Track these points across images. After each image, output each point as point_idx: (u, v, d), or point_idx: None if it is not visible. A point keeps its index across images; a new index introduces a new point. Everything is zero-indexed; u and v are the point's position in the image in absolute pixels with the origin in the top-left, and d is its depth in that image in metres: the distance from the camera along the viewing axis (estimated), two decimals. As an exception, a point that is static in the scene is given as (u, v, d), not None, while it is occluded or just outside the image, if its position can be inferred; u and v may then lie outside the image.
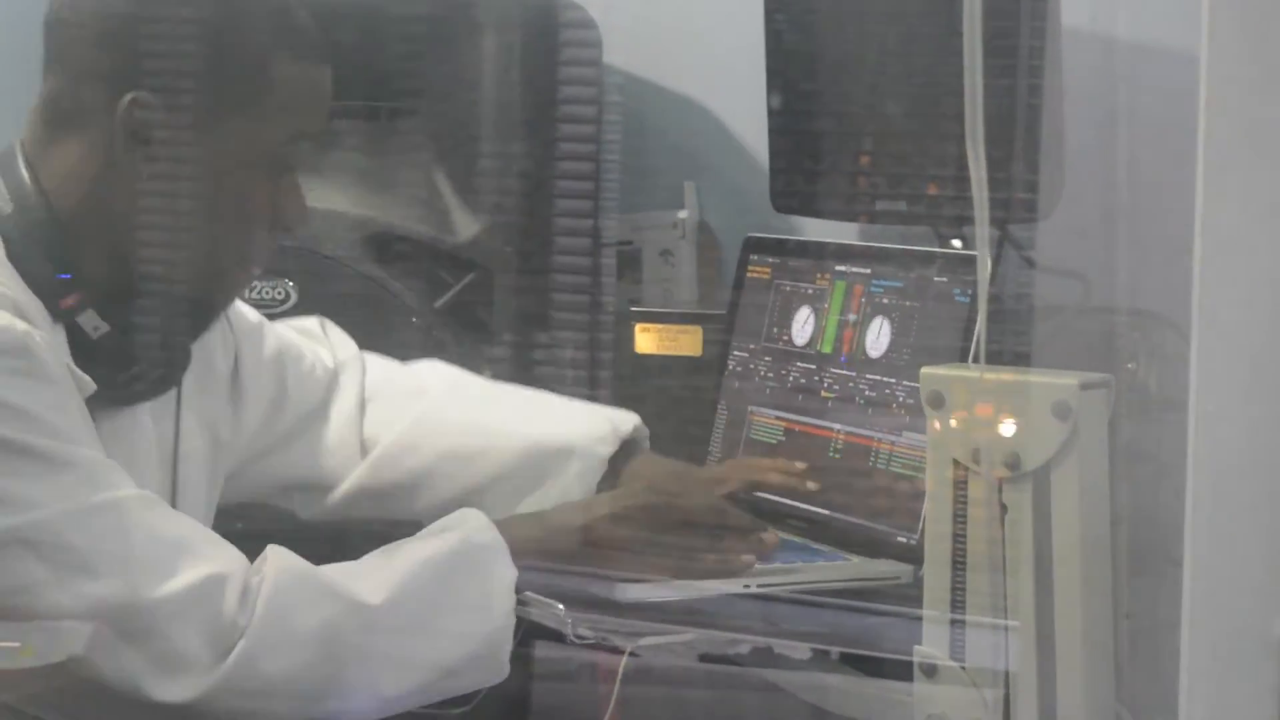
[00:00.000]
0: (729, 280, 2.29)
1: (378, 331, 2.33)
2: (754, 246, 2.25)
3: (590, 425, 2.06)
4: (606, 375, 2.34)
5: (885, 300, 2.07)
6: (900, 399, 2.01)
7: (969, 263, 1.97)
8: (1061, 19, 2.03)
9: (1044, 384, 1.61)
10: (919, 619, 1.66)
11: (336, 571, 1.68)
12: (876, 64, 2.18)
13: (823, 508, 2.04)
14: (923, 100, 2.11)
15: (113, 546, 1.58)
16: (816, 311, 2.14)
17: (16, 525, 1.55)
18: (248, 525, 1.97)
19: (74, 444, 1.61)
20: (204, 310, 1.82)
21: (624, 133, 2.40)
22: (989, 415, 1.62)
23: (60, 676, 1.59)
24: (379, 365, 2.15)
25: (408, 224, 2.35)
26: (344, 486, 2.04)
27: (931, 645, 1.63)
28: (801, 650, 1.78)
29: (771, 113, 2.26)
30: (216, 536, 1.68)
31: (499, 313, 2.34)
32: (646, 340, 2.36)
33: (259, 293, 2.32)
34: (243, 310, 2.01)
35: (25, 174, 1.70)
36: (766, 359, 2.18)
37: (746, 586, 1.83)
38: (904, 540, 1.92)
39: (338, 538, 2.03)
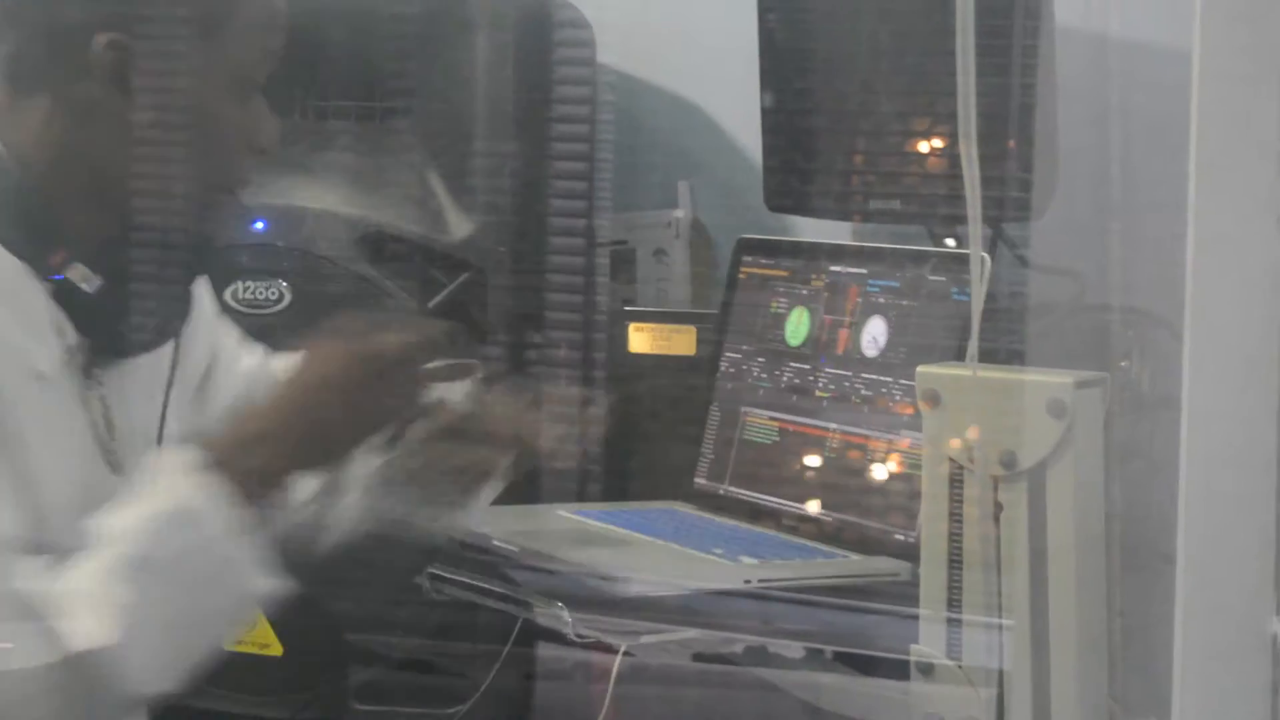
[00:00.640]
0: (723, 279, 2.29)
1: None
2: (748, 247, 2.25)
3: None
4: (600, 375, 2.34)
5: (880, 300, 2.07)
6: (896, 398, 2.01)
7: (964, 262, 1.98)
8: (1054, 17, 2.04)
9: (1039, 383, 1.62)
10: (915, 618, 1.66)
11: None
12: (870, 63, 2.18)
13: (819, 507, 2.04)
14: (916, 99, 2.12)
15: None
16: (811, 311, 2.14)
17: None
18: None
19: None
20: (195, 248, 1.80)
21: (618, 132, 2.40)
22: (984, 414, 1.62)
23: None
24: None
25: (401, 224, 2.35)
26: None
27: (927, 644, 1.63)
28: (796, 649, 1.78)
29: (765, 112, 2.26)
30: None
31: (492, 312, 2.34)
32: (640, 340, 2.36)
33: (253, 292, 2.32)
34: (229, 325, 2.00)
35: None
36: (760, 359, 2.18)
37: (746, 582, 1.83)
38: (901, 538, 1.92)
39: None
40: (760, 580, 1.83)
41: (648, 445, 2.17)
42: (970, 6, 1.44)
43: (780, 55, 2.25)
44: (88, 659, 1.52)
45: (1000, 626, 1.61)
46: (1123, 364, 1.93)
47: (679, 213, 2.51)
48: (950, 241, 2.10)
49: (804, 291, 2.16)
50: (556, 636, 1.93)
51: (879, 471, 1.99)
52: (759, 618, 1.82)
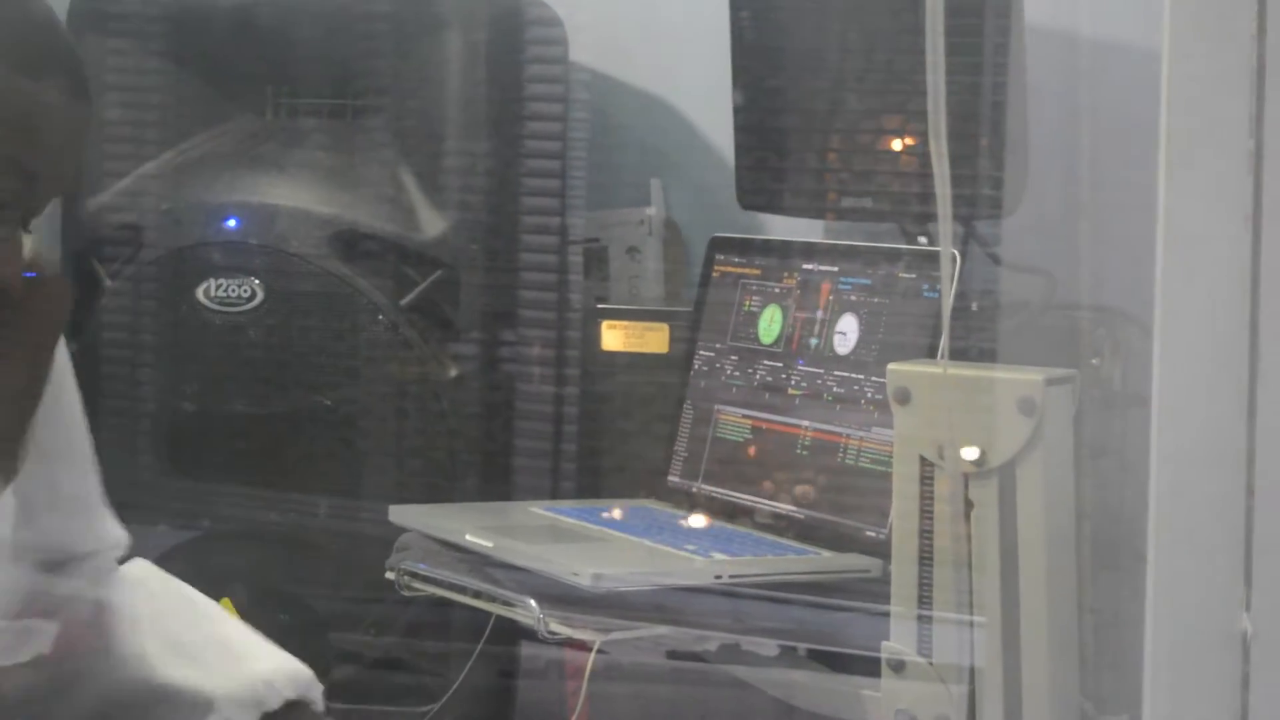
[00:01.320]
0: (696, 277, 2.29)
1: (344, 330, 2.33)
2: (720, 246, 2.25)
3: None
4: (573, 373, 2.34)
5: (852, 297, 2.08)
6: (868, 395, 2.01)
7: (935, 259, 1.98)
8: (1024, 16, 2.04)
9: (1009, 380, 1.62)
10: (886, 615, 1.66)
11: None
12: (841, 61, 2.19)
13: (791, 504, 2.04)
14: (887, 97, 2.12)
15: None
16: (783, 309, 2.15)
17: None
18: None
19: None
20: None
21: (590, 130, 2.40)
22: (955, 411, 1.63)
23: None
24: None
25: (373, 222, 2.35)
26: None
27: (899, 641, 1.64)
28: (769, 647, 1.78)
29: (737, 110, 2.27)
30: None
31: (465, 310, 2.34)
32: (613, 338, 2.36)
33: (225, 290, 2.32)
34: None
35: None
36: (733, 357, 2.19)
37: (717, 578, 1.83)
38: (873, 535, 1.93)
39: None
40: (731, 576, 1.83)
41: (620, 443, 2.17)
42: (940, 5, 1.45)
43: (752, 53, 2.25)
44: None
45: (971, 624, 1.61)
46: (1093, 361, 1.94)
47: (651, 210, 2.51)
48: (922, 239, 2.10)
49: (776, 289, 2.17)
50: (529, 634, 1.93)
51: (851, 469, 2.00)
52: (731, 615, 1.82)
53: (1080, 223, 1.90)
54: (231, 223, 2.37)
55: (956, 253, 1.91)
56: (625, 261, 2.52)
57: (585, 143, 2.39)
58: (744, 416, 2.15)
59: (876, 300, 2.05)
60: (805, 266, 2.15)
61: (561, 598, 1.81)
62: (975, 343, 1.88)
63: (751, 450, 2.12)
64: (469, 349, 2.33)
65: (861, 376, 2.03)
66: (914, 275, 2.03)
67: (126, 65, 2.41)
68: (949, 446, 1.61)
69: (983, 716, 1.59)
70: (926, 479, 1.64)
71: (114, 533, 1.77)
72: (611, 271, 2.51)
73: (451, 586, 1.93)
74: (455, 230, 2.34)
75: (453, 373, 2.28)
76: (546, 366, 2.34)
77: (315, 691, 1.68)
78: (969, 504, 1.60)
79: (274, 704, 1.63)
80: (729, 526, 2.06)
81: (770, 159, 2.25)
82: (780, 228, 2.36)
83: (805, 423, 2.07)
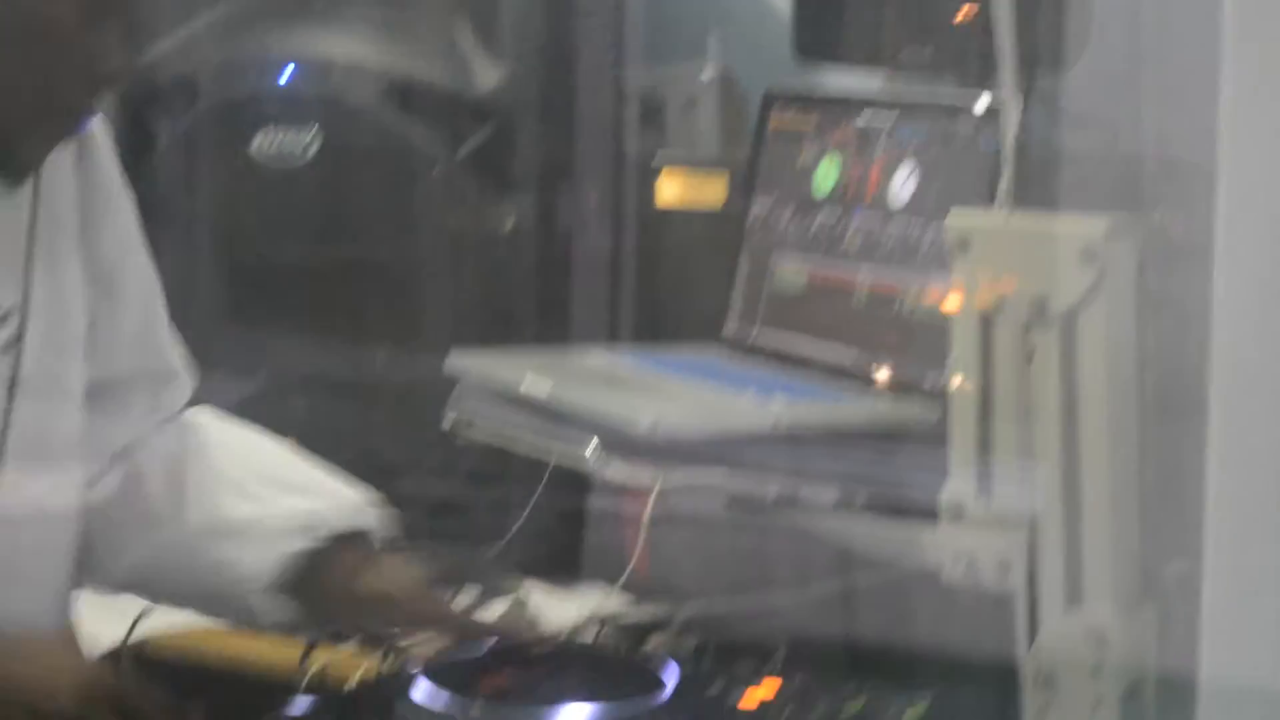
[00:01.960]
0: (752, 131, 2.28)
1: (399, 182, 2.33)
2: (776, 99, 2.24)
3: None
4: (630, 225, 2.34)
5: (909, 149, 2.07)
6: (926, 245, 2.01)
7: (994, 111, 1.96)
8: None
9: (1070, 229, 1.61)
10: (945, 463, 1.66)
11: None
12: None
13: (850, 353, 2.04)
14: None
15: None
16: (839, 161, 2.14)
17: None
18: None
19: None
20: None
21: (647, -18, 2.39)
22: (1015, 260, 1.62)
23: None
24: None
25: (429, 75, 2.34)
26: None
27: (958, 487, 1.64)
28: (828, 495, 1.78)
29: (796, -42, 2.25)
30: None
31: (521, 163, 2.34)
32: (670, 191, 2.35)
33: (280, 144, 2.32)
34: None
35: None
36: (789, 209, 2.18)
37: (776, 425, 1.82)
38: (932, 383, 1.92)
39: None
40: (790, 422, 1.83)
41: (678, 294, 2.17)
42: None
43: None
44: None
45: (1032, 474, 1.61)
46: (1155, 213, 1.93)
47: (709, 65, 2.50)
48: (982, 91, 2.08)
49: (832, 141, 2.16)
50: (586, 482, 1.94)
51: (909, 318, 1.99)
52: (790, 464, 1.83)
53: (1143, 72, 1.87)
54: (287, 75, 2.37)
55: (1017, 101, 1.90)
56: (681, 116, 2.50)
57: (643, -5, 2.37)
58: (801, 267, 2.15)
59: (934, 151, 2.04)
60: (862, 119, 2.13)
61: (619, 444, 1.82)
62: (1035, 193, 1.87)
63: (809, 300, 2.12)
64: (526, 201, 2.33)
65: (919, 227, 2.02)
66: (973, 127, 2.02)
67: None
68: (1009, 295, 1.61)
69: (1043, 564, 1.59)
70: (986, 328, 1.63)
71: (183, 375, 1.79)
72: (668, 125, 2.50)
73: (508, 433, 1.94)
74: (512, 82, 2.33)
75: (509, 225, 2.27)
76: (603, 218, 2.34)
77: (369, 519, 1.70)
78: (1029, 353, 1.59)
79: (322, 534, 1.66)
80: (787, 375, 2.06)
81: (828, 8, 2.23)
82: (837, 84, 2.34)
83: (863, 272, 2.07)
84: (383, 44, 2.36)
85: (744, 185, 2.25)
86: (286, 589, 1.65)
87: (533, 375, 1.97)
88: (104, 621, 2.06)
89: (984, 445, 1.63)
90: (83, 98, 1.59)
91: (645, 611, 1.89)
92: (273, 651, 2.05)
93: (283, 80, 2.37)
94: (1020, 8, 1.51)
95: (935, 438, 1.75)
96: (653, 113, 2.47)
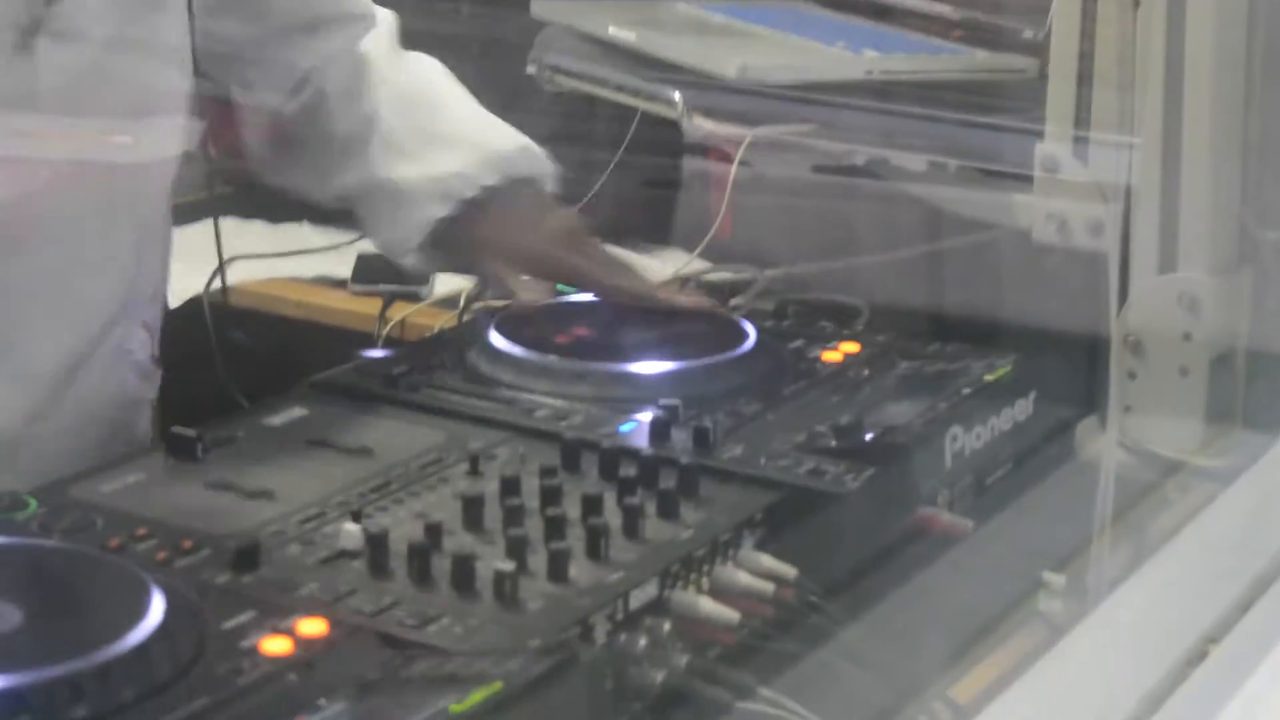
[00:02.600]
0: None
1: None
2: None
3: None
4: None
5: None
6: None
7: None
8: None
9: None
10: (1041, 125, 1.60)
11: None
12: None
13: (947, 3, 1.96)
14: None
15: None
16: None
17: None
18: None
19: None
20: None
21: None
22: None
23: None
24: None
25: None
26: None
27: (1054, 146, 1.58)
28: (918, 161, 1.73)
29: None
30: None
31: None
32: None
33: None
34: None
35: None
36: None
37: (868, 74, 1.76)
38: (1031, 36, 1.84)
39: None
40: (883, 71, 1.76)
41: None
42: None
43: None
44: None
45: (1128, 133, 1.56)
46: None
47: None
48: None
49: None
50: (672, 138, 1.88)
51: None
52: (879, 121, 1.77)
53: None
54: None
55: None
56: None
57: None
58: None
59: None
60: None
61: (707, 95, 1.76)
62: None
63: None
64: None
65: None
66: None
67: None
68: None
69: (1137, 227, 1.54)
70: (1090, -24, 1.56)
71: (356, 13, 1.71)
72: None
73: (594, 80, 1.88)
74: None
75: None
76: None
77: (529, 166, 1.64)
78: (1136, 2, 1.52)
79: (469, 193, 1.61)
80: (882, 26, 1.99)
81: None
82: None
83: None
84: None
85: None
86: (436, 246, 1.61)
87: (620, 21, 1.91)
88: (188, 267, 2.06)
89: (1082, 105, 1.57)
90: None
91: (728, 273, 1.85)
92: (352, 304, 2.05)
93: None
94: None
95: (1031, 93, 1.69)
96: None
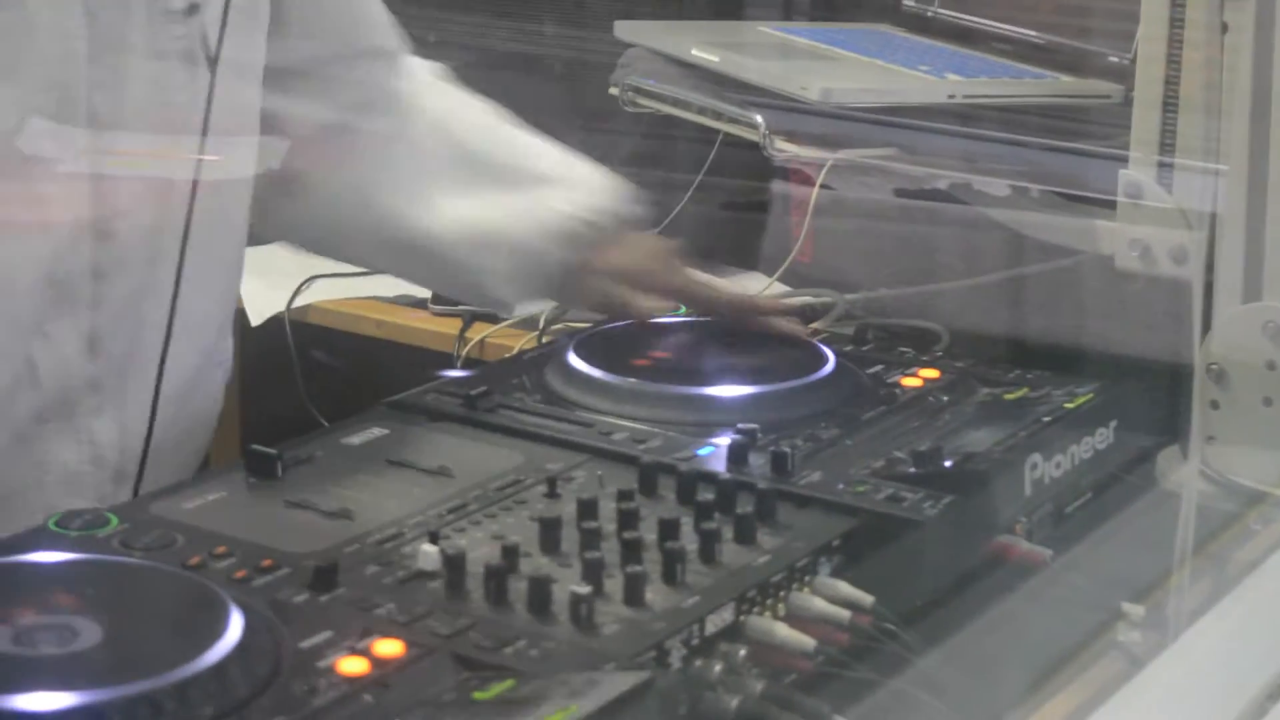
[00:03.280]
0: None
1: None
2: None
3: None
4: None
5: None
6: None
7: None
8: None
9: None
10: (1125, 151, 1.59)
11: None
12: None
13: (1031, 27, 1.95)
14: None
15: None
16: None
17: None
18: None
19: None
20: None
21: None
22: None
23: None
24: None
25: None
26: None
27: (1138, 173, 1.57)
28: (1001, 186, 1.72)
29: None
30: None
31: None
32: None
33: None
34: None
35: None
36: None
37: (950, 97, 1.75)
38: (1116, 60, 1.83)
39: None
40: (966, 95, 1.75)
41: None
42: None
43: None
44: None
45: (1213, 160, 1.54)
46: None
47: None
48: None
49: None
50: (753, 160, 1.88)
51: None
52: (962, 145, 1.76)
53: None
54: None
55: None
56: None
57: None
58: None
59: None
60: None
61: (788, 119, 1.76)
62: None
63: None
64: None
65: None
66: None
67: None
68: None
69: (1221, 255, 1.53)
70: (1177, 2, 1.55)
71: (398, 53, 1.70)
72: None
73: (676, 101, 1.88)
74: None
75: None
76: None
77: (609, 200, 1.62)
78: (1224, 27, 1.51)
79: (576, 227, 1.60)
80: (965, 50, 1.98)
81: None
82: None
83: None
84: None
85: None
86: (534, 284, 1.62)
87: (702, 43, 1.91)
88: (266, 284, 2.07)
89: (1168, 130, 1.56)
90: None
91: (807, 297, 1.85)
92: (432, 324, 2.06)
93: None
94: None
95: (1116, 119, 1.68)
96: None
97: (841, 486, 1.24)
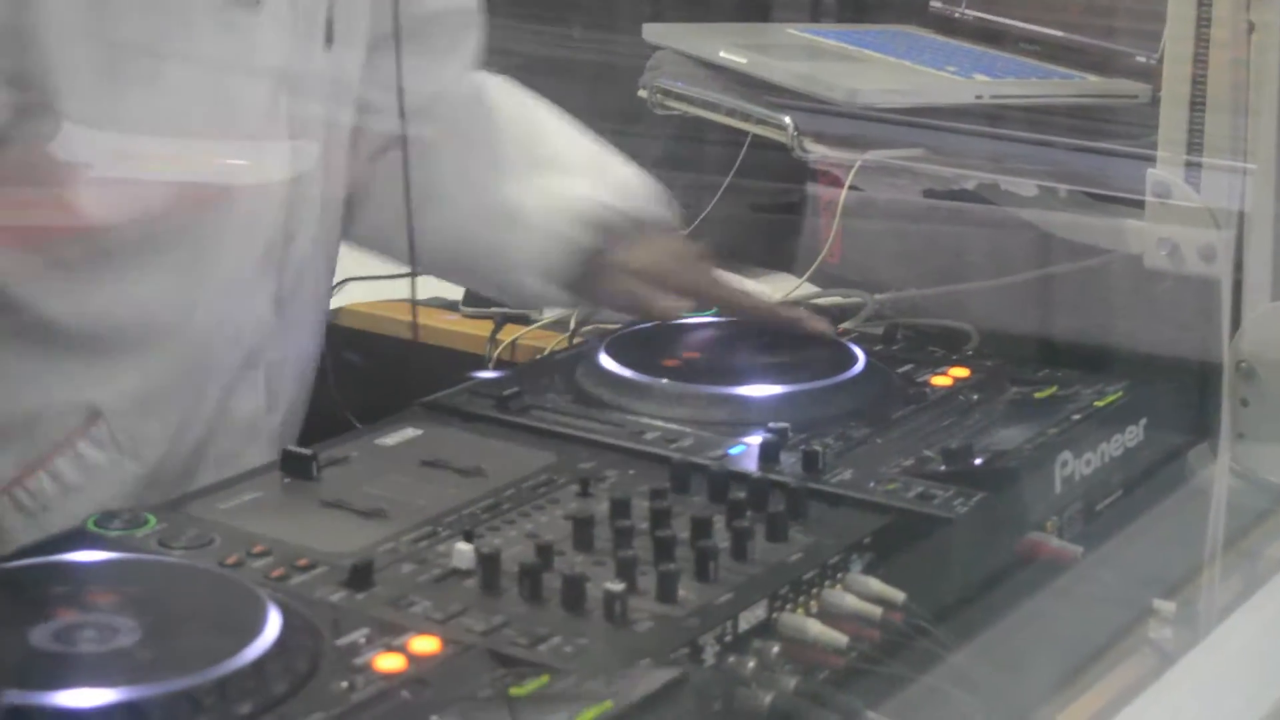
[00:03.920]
0: None
1: None
2: None
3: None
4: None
5: None
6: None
7: None
8: None
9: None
10: (1153, 151, 1.60)
11: None
12: None
13: (1058, 28, 1.95)
14: None
15: None
16: None
17: None
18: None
19: None
20: None
21: None
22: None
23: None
24: None
25: None
26: None
27: (1165, 172, 1.57)
28: (1029, 186, 1.72)
29: None
30: None
31: None
32: None
33: None
34: None
35: None
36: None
37: (978, 98, 1.75)
38: (1143, 60, 1.83)
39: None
40: (993, 96, 1.75)
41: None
42: None
43: None
44: None
45: (1240, 159, 1.55)
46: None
47: None
48: None
49: None
50: (782, 161, 1.89)
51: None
52: (989, 146, 1.76)
53: None
54: None
55: None
56: None
57: None
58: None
59: None
60: None
61: (817, 119, 1.76)
62: None
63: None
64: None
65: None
66: None
67: None
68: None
69: (1249, 254, 1.53)
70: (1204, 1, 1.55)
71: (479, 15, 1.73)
72: None
73: (704, 103, 1.88)
74: None
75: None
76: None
77: (645, 199, 1.63)
78: (1250, 26, 1.51)
79: (597, 221, 1.61)
80: (992, 51, 1.98)
81: None
82: None
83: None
84: None
85: None
86: (559, 272, 1.63)
87: (730, 45, 1.91)
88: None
89: (1194, 131, 1.56)
90: None
91: (837, 297, 1.85)
92: (463, 325, 2.06)
93: None
94: None
95: (1143, 118, 1.68)
96: None
97: (872, 484, 1.25)
